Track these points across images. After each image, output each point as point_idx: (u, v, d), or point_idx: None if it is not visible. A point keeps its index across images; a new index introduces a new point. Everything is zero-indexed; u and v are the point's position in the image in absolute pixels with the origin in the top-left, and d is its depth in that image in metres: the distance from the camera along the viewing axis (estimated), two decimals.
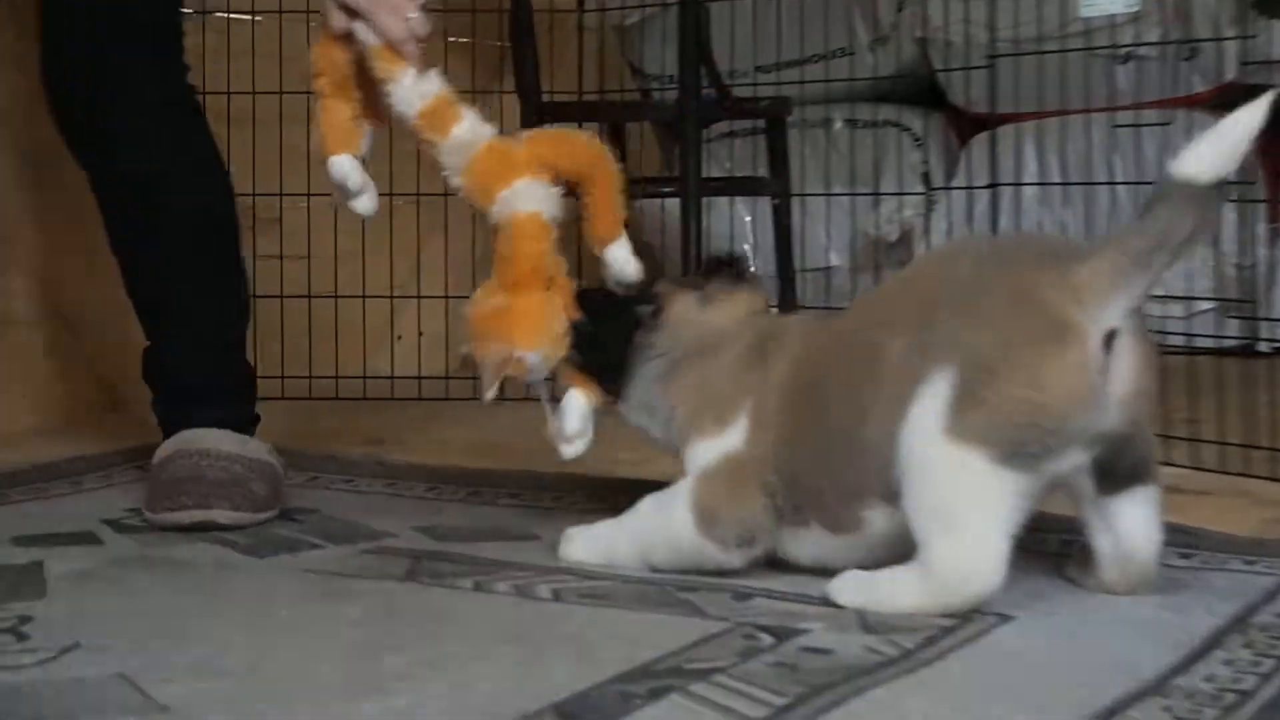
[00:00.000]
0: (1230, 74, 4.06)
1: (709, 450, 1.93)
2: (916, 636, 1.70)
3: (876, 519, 1.83)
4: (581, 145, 2.13)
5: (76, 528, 2.26)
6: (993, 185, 3.57)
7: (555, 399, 2.07)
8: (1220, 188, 1.72)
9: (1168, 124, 3.81)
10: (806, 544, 1.90)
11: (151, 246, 2.42)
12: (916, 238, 4.17)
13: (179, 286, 2.43)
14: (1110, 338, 1.73)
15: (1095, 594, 1.87)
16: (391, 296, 3.63)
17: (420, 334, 3.71)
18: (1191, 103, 4.01)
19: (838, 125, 4.47)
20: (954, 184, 4.19)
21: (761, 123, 3.69)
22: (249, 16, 3.50)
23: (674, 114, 3.46)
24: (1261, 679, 1.57)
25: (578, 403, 2.06)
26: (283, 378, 3.36)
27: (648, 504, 1.98)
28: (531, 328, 2.01)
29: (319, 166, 2.14)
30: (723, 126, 4.52)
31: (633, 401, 2.04)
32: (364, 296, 3.57)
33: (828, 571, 1.86)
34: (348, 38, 2.13)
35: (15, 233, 3.19)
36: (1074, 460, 1.76)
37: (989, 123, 3.78)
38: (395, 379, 3.56)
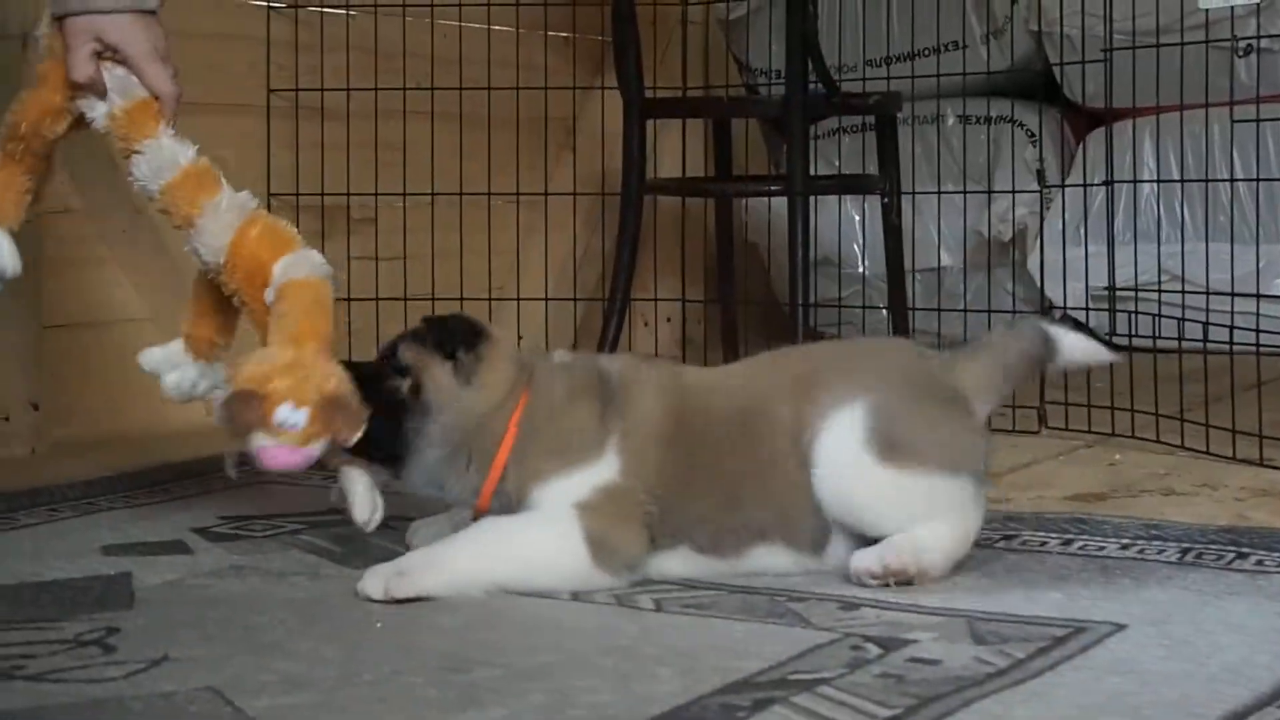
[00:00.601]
0: None
1: (575, 485, 1.94)
2: (1028, 646, 1.66)
3: (763, 554, 1.96)
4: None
5: (166, 536, 2.24)
6: (1109, 182, 3.49)
7: (332, 474, 2.03)
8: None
9: None
10: (674, 564, 1.97)
11: None
12: (1030, 237, 4.11)
13: None
14: None
15: (1210, 602, 1.82)
16: (490, 299, 3.57)
17: (520, 337, 3.66)
18: None
19: (950, 121, 4.41)
20: (1069, 181, 4.12)
21: (871, 119, 3.63)
22: (343, 11, 3.47)
23: (780, 110, 3.41)
24: None
25: (360, 484, 2.01)
26: None
27: (491, 532, 1.95)
28: (302, 381, 1.92)
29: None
30: (831, 123, 4.47)
31: (417, 481, 2.03)
32: (461, 299, 3.50)
33: (939, 583, 1.88)
34: (77, 89, 2.04)
35: None
36: None
37: (1105, 118, 3.70)
38: None
